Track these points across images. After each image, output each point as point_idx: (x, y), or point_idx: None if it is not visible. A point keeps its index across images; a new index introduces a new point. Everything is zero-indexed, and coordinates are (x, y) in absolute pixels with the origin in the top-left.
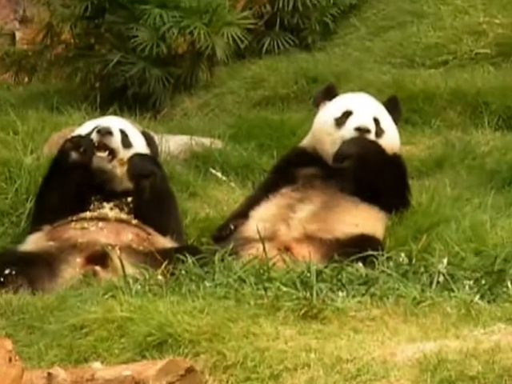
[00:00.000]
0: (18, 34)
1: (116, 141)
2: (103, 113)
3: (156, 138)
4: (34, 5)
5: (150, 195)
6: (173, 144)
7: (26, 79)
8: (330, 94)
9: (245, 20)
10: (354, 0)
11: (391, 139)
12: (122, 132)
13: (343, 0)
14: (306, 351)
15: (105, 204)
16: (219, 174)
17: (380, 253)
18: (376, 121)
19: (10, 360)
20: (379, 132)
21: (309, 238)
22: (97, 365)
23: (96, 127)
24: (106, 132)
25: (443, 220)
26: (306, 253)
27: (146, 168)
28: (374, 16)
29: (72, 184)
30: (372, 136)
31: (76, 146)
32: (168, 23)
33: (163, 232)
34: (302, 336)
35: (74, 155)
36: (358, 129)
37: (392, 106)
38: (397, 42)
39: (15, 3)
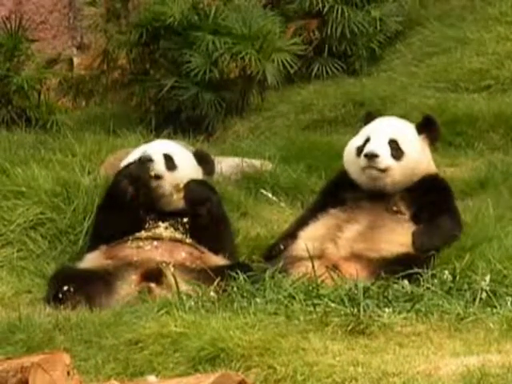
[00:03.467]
0: (75, 60)
1: (157, 166)
2: (158, 135)
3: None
4: (91, 32)
5: (206, 220)
6: (225, 166)
7: (84, 103)
8: (367, 121)
9: (294, 46)
10: (400, 27)
11: (414, 160)
12: (166, 156)
13: (389, 27)
14: (353, 365)
15: (160, 223)
16: (269, 195)
17: (425, 270)
18: (394, 143)
19: (69, 373)
20: (398, 154)
21: (356, 257)
22: (152, 378)
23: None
24: (146, 160)
25: (486, 239)
26: (353, 271)
27: (203, 194)
28: (419, 42)
29: (128, 211)
30: (387, 159)
31: (132, 182)
32: (220, 49)
33: (217, 252)
34: (350, 351)
35: (130, 190)
36: (366, 155)
37: (426, 125)
38: (441, 68)
39: (73, 30)
